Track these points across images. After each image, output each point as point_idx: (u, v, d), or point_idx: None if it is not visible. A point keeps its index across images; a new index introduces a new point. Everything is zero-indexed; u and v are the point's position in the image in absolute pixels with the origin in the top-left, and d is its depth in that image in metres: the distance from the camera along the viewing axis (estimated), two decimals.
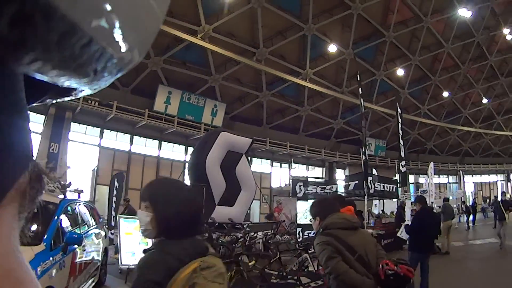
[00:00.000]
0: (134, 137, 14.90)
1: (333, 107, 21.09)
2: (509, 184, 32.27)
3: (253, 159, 18.09)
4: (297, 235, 8.65)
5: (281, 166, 20.30)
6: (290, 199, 9.38)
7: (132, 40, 0.17)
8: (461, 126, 25.96)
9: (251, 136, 8.49)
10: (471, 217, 15.83)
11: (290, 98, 19.79)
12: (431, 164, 15.77)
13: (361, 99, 11.10)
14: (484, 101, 25.40)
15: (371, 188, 9.05)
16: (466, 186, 29.07)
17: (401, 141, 10.49)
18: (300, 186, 9.75)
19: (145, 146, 15.19)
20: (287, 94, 19.56)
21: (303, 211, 8.57)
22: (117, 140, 14.37)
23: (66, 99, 0.19)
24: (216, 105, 16.64)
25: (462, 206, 18.93)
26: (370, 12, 17.87)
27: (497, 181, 31.53)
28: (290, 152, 19.18)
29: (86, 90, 0.18)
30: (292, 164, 20.17)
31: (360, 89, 11.35)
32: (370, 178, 9.20)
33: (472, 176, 30.10)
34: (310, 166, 21.74)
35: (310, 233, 7.59)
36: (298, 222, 8.57)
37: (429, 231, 4.56)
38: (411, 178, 26.30)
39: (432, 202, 13.83)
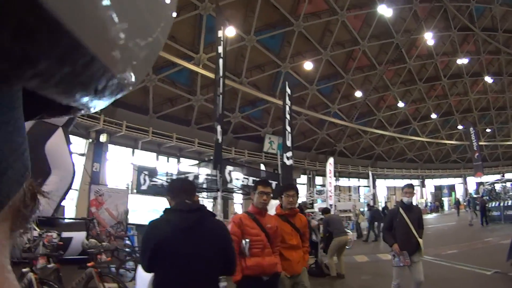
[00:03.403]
0: None
1: (231, 99, 30.08)
2: (423, 189, 52.02)
3: (135, 150, 26.27)
4: (127, 240, 11.12)
5: (168, 160, 28.84)
6: (119, 191, 11.80)
7: (134, 61, 0.28)
8: (374, 129, 39.60)
9: None
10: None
11: (182, 85, 28.00)
12: (330, 160, 25.38)
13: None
14: (400, 105, 39.17)
15: (230, 181, 11.53)
16: (379, 190, 45.72)
17: (288, 128, 14.77)
18: (145, 176, 11.74)
19: None
20: (178, 81, 27.67)
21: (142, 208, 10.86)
22: None
23: (64, 116, 0.32)
24: None
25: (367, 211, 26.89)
26: None
27: None
28: (177, 145, 27.64)
29: (85, 109, 0.30)
30: (181, 158, 28.67)
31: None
32: (230, 168, 11.75)
33: (385, 180, 46.75)
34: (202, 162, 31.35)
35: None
36: (131, 222, 10.84)
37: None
38: (319, 180, 40.45)
39: (331, 205, 23.75)
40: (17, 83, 0.24)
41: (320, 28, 31.42)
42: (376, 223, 20.12)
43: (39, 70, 0.23)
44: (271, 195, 4.24)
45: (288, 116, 15.30)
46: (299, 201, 6.89)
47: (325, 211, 13.03)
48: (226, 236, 2.98)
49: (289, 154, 14.93)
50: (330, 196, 24.38)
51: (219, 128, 11.65)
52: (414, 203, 6.34)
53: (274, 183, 11.43)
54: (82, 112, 0.31)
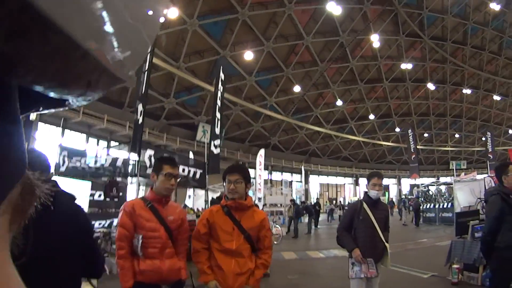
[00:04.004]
0: None
1: (167, 83, 32.11)
2: (357, 187, 57.01)
3: (65, 130, 27.09)
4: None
5: (98, 143, 29.95)
6: None
7: (125, 54, 0.33)
8: (310, 125, 43.25)
9: None
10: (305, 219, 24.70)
11: None
12: (261, 152, 27.09)
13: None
14: (339, 103, 42.89)
15: (150, 166, 11.14)
16: (312, 186, 49.94)
17: (218, 114, 14.98)
18: (64, 157, 11.57)
19: None
20: None
21: None
22: None
23: (60, 109, 0.36)
24: None
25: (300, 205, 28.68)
26: None
27: (345, 184, 55.53)
28: (108, 127, 28.93)
29: (79, 101, 0.35)
30: (112, 142, 29.83)
31: None
32: (150, 152, 11.70)
33: (318, 177, 50.87)
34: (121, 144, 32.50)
35: None
36: None
37: None
38: (252, 173, 43.39)
39: (259, 198, 25.74)
40: (11, 79, 0.28)
41: (265, 19, 33.90)
42: (299, 218, 22.33)
43: (32, 67, 0.26)
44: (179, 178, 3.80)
45: (219, 102, 15.59)
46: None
47: None
48: (83, 226, 2.61)
49: (217, 142, 15.18)
50: (259, 189, 25.63)
51: (140, 107, 11.61)
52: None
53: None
54: (77, 104, 0.36)
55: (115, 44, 0.31)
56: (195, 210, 18.06)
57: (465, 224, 8.91)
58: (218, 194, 17.09)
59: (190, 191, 20.69)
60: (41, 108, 0.36)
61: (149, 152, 12.29)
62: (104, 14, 0.28)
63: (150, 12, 0.35)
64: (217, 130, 15.53)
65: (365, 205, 5.19)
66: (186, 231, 3.79)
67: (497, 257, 4.61)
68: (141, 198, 3.67)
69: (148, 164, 11.79)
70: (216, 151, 15.29)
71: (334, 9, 33.67)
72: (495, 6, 38.86)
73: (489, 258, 4.88)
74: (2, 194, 0.29)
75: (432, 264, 10.09)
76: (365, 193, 5.34)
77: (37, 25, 0.25)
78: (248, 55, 34.26)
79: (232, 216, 3.63)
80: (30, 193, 0.33)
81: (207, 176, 14.31)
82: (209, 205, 15.44)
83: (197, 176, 13.82)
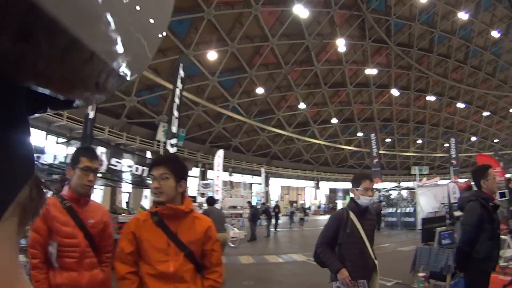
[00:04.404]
0: None
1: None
2: (317, 191, 60.06)
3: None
4: None
5: (57, 142, 29.27)
6: None
7: (133, 54, 0.35)
8: (272, 127, 45.58)
9: None
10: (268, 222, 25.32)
11: None
12: (219, 152, 28.43)
13: None
14: (301, 106, 45.40)
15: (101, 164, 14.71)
16: (272, 188, 52.23)
17: (175, 112, 15.38)
18: None
19: None
20: None
21: None
22: None
23: (68, 109, 0.40)
24: None
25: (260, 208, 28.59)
26: None
27: (305, 187, 58.85)
28: (67, 124, 29.48)
29: (88, 102, 0.38)
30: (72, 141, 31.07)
31: None
32: (101, 150, 11.76)
33: (279, 179, 53.26)
34: (93, 146, 34.20)
35: None
36: None
37: None
38: (213, 175, 44.91)
39: (218, 200, 26.84)
40: (18, 83, 0.29)
41: (231, 19, 35.59)
42: (257, 221, 23.31)
43: (39, 69, 0.28)
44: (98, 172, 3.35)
45: (177, 100, 15.96)
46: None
47: (209, 201, 13.06)
48: None
49: (174, 141, 15.47)
50: (217, 190, 26.20)
51: None
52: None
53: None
54: (84, 105, 0.39)
55: (121, 46, 0.33)
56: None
57: (432, 231, 8.75)
58: None
59: (146, 192, 20.14)
60: (49, 110, 0.39)
61: (101, 149, 12.76)
62: (109, 16, 0.30)
63: (152, 20, 0.36)
64: (174, 129, 15.77)
65: (352, 215, 4.51)
66: (110, 236, 3.46)
67: (474, 269, 4.49)
68: (57, 196, 3.21)
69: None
70: (172, 150, 15.47)
71: (301, 12, 35.70)
72: (463, 16, 41.91)
73: (464, 270, 4.74)
74: (11, 196, 0.31)
75: (395, 271, 10.04)
76: (352, 200, 4.64)
77: (43, 27, 0.26)
78: (212, 55, 35.73)
79: (166, 227, 2.83)
80: (39, 195, 0.35)
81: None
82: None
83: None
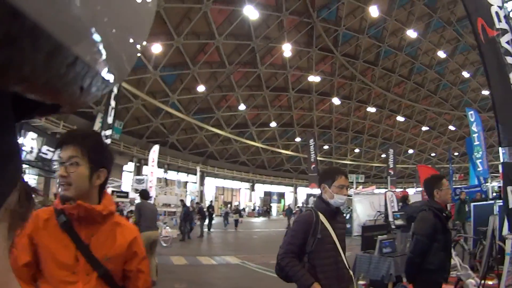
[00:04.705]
0: None
1: None
2: (253, 193, 62.05)
3: None
4: None
5: None
6: None
7: (116, 58, 0.37)
8: (210, 127, 47.16)
9: None
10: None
11: None
12: (155, 147, 28.52)
13: None
14: (241, 107, 47.25)
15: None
16: (207, 188, 53.59)
17: (112, 102, 15.24)
18: None
19: None
20: None
21: None
22: None
23: (55, 114, 0.41)
24: None
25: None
26: None
27: (241, 188, 61.03)
28: None
29: (74, 106, 0.39)
30: None
31: None
32: (33, 135, 11.89)
33: (215, 179, 55.10)
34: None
35: None
36: None
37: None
38: (146, 170, 45.92)
39: (152, 196, 26.95)
40: (3, 89, 0.30)
41: (180, 13, 36.66)
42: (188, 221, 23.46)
43: (24, 74, 0.29)
44: None
45: (115, 89, 15.40)
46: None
47: (143, 194, 12.02)
48: None
49: (109, 132, 15.05)
50: (151, 186, 25.87)
51: None
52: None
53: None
54: (72, 109, 0.41)
55: (108, 47, 0.34)
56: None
57: (372, 239, 8.68)
58: None
59: None
60: (36, 116, 0.40)
61: (31, 135, 13.04)
62: (95, 18, 0.32)
63: (143, 9, 0.39)
64: (110, 120, 15.43)
65: (322, 218, 3.90)
66: None
67: (425, 281, 4.40)
68: None
69: (29, 149, 12.49)
70: (108, 141, 14.69)
71: (251, 13, 37.04)
72: (411, 33, 44.79)
73: (414, 281, 4.61)
74: (0, 201, 0.33)
75: None
76: (321, 199, 4.05)
77: (27, 32, 0.27)
78: (156, 48, 36.32)
79: (74, 234, 2.08)
80: (27, 199, 0.37)
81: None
82: None
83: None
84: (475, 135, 23.35)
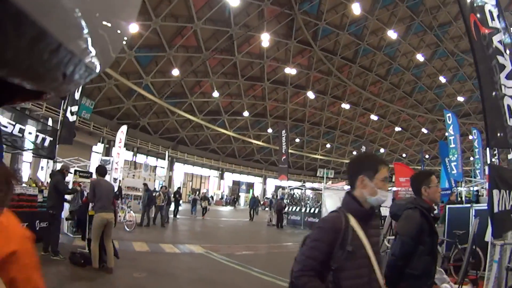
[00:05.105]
0: None
1: None
2: (222, 181, 62.06)
3: None
4: None
5: None
6: None
7: (100, 46, 0.39)
8: (183, 112, 46.90)
9: None
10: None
11: None
12: (123, 128, 28.75)
13: None
14: (215, 94, 47.19)
15: None
16: (176, 174, 53.44)
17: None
18: None
19: None
20: None
21: None
22: None
23: (37, 101, 0.44)
24: None
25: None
26: None
27: (210, 176, 61.08)
28: None
29: (56, 93, 0.42)
30: None
31: None
32: None
33: (184, 165, 55.06)
34: None
35: None
36: None
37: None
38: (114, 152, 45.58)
39: (115, 179, 24.36)
40: None
41: None
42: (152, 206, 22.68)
43: (7, 59, 0.31)
44: None
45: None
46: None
47: (99, 170, 10.71)
48: None
49: (75, 108, 14.65)
50: (116, 168, 26.11)
51: None
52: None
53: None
54: (54, 96, 0.42)
55: (91, 34, 0.36)
56: (40, 183, 17.99)
57: None
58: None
59: (43, 162, 20.86)
60: (18, 101, 0.42)
61: None
62: (77, 9, 0.33)
63: (120, 14, 0.40)
64: (77, 95, 15.02)
65: (354, 223, 2.81)
66: None
67: (407, 286, 3.93)
68: None
69: None
70: (71, 118, 14.78)
71: (233, 0, 36.56)
72: (392, 34, 45.04)
73: (395, 287, 3.92)
74: None
75: None
76: (351, 197, 2.95)
77: (12, 19, 0.29)
78: (133, 28, 35.91)
79: None
80: (6, 184, 0.39)
81: (57, 145, 13.65)
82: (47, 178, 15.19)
83: (46, 143, 13.20)
84: (452, 137, 23.67)
